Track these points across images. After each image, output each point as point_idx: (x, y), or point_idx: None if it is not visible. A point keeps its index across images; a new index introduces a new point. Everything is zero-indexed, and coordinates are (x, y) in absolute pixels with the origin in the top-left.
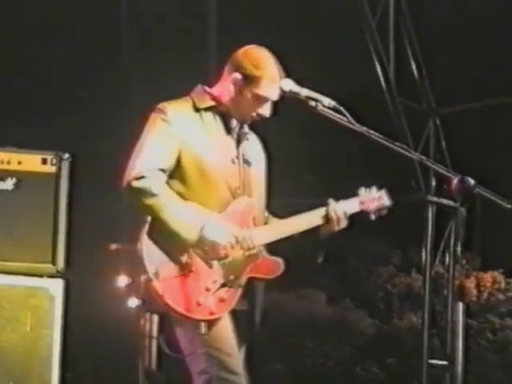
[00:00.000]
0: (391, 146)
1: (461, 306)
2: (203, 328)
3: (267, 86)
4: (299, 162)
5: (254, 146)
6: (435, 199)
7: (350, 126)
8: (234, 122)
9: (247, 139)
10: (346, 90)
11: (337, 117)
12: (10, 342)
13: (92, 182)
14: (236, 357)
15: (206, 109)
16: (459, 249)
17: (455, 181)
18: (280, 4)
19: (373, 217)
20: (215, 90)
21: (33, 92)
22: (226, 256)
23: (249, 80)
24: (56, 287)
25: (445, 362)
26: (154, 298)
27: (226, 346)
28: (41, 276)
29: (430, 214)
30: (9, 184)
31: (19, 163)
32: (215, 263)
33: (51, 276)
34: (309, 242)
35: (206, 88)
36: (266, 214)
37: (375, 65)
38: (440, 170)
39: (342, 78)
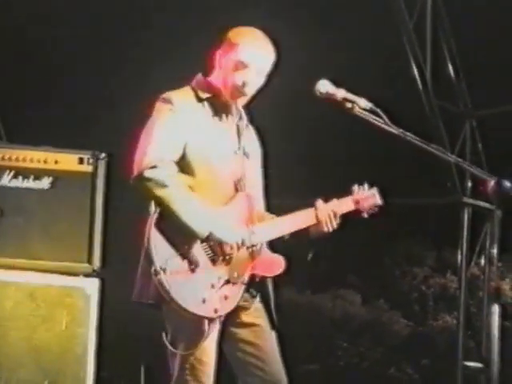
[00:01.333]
0: (428, 148)
1: (496, 307)
2: (206, 325)
3: (245, 50)
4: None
5: (251, 139)
6: (471, 201)
7: (387, 127)
8: (234, 113)
9: (246, 127)
10: (383, 91)
11: (373, 118)
12: (45, 341)
13: (128, 182)
14: (208, 366)
15: (208, 99)
16: (495, 251)
17: (491, 183)
18: (316, 3)
19: (365, 215)
20: (213, 78)
21: (70, 91)
22: (231, 254)
23: (228, 48)
24: (92, 286)
25: (480, 364)
26: (147, 290)
27: (201, 353)
28: (76, 275)
29: (465, 216)
30: (45, 183)
31: (56, 162)
32: (220, 259)
33: (87, 275)
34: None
35: (205, 77)
36: (263, 208)
37: (412, 66)
38: (476, 172)
39: (379, 80)
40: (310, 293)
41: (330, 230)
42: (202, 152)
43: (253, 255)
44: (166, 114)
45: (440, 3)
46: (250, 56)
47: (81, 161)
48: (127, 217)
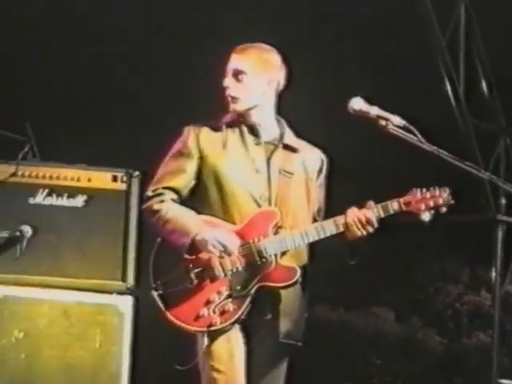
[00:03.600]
0: (461, 165)
1: None
2: (206, 339)
3: (230, 59)
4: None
5: (301, 158)
6: (505, 218)
7: (421, 145)
8: (266, 133)
9: (284, 148)
10: (416, 108)
11: (407, 136)
12: (79, 359)
13: None
14: (227, 375)
15: (231, 124)
16: None
17: None
18: (350, 22)
19: (426, 217)
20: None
21: (104, 110)
22: (233, 269)
23: None
24: (125, 304)
25: None
26: None
27: (218, 363)
28: (110, 293)
29: (499, 233)
30: (79, 201)
31: (89, 180)
32: (220, 274)
33: (121, 293)
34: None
35: None
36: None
37: (446, 84)
38: (510, 189)
39: (412, 97)
40: (343, 310)
41: (364, 233)
42: (214, 176)
43: (261, 267)
44: (176, 144)
45: (473, 21)
46: (230, 62)
47: (114, 179)
48: None
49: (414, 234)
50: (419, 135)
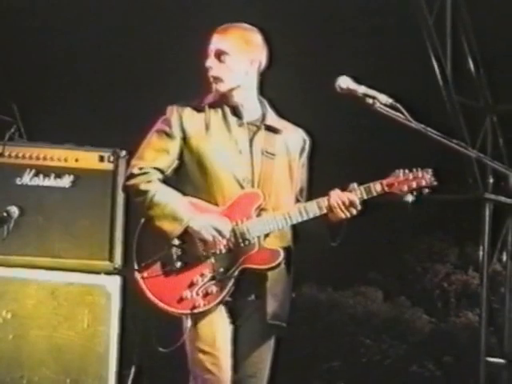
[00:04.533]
0: (449, 143)
1: None
2: (189, 321)
3: (211, 40)
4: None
5: (284, 138)
6: (493, 197)
7: (408, 123)
8: (249, 114)
9: (267, 129)
10: (403, 87)
11: (394, 114)
12: (66, 339)
13: None
14: (213, 355)
15: (214, 105)
16: None
17: None
18: (336, 1)
19: (409, 198)
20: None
21: (90, 90)
22: (216, 251)
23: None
24: (113, 284)
25: (502, 361)
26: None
27: (203, 344)
28: (98, 273)
29: (487, 212)
30: (66, 181)
31: (76, 160)
32: (203, 257)
33: (108, 273)
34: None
35: None
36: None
37: (432, 62)
38: (497, 167)
39: (399, 75)
40: (331, 290)
41: (348, 215)
42: (197, 157)
43: (245, 250)
44: (160, 123)
45: None
46: (212, 43)
47: (101, 159)
48: None
49: (402, 214)
50: (406, 113)
